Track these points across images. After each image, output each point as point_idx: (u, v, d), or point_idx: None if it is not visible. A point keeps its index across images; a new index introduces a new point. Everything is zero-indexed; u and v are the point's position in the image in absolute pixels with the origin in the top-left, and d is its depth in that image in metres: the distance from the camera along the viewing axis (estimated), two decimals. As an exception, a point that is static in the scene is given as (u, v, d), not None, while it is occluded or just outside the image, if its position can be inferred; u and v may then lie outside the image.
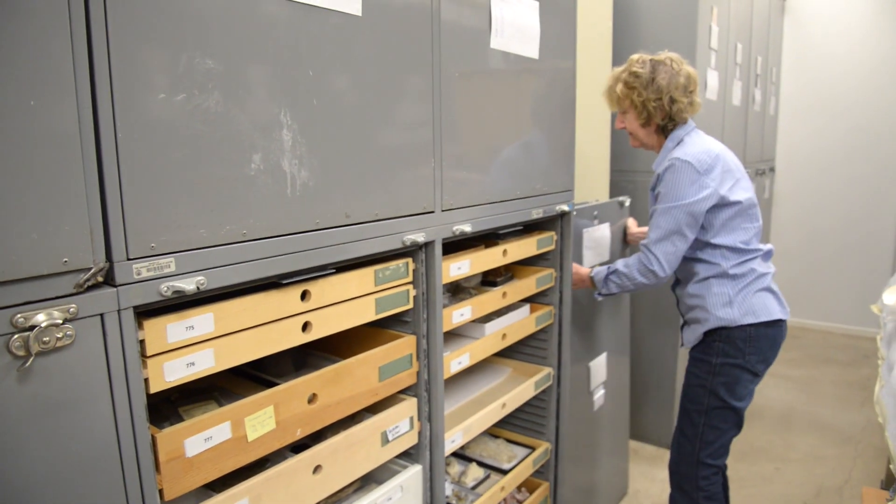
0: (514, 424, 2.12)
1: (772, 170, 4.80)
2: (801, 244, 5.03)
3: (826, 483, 2.89)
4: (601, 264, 2.19)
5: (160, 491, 0.94)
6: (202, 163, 0.90)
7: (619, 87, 1.95)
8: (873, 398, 1.72)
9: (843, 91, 4.74)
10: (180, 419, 1.17)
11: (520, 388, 1.81)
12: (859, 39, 4.65)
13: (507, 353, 2.05)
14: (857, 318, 4.87)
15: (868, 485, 2.80)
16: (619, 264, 1.99)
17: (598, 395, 2.29)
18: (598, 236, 2.23)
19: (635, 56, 1.96)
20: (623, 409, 2.60)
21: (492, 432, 2.13)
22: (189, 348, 0.96)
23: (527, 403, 2.00)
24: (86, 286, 0.80)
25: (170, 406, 1.24)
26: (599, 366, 2.28)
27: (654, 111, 1.92)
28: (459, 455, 2.02)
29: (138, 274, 0.85)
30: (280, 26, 0.99)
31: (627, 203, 2.46)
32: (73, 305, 0.78)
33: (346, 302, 1.21)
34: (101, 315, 0.82)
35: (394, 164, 1.23)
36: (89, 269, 0.80)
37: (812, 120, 4.87)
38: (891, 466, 1.30)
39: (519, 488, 2.07)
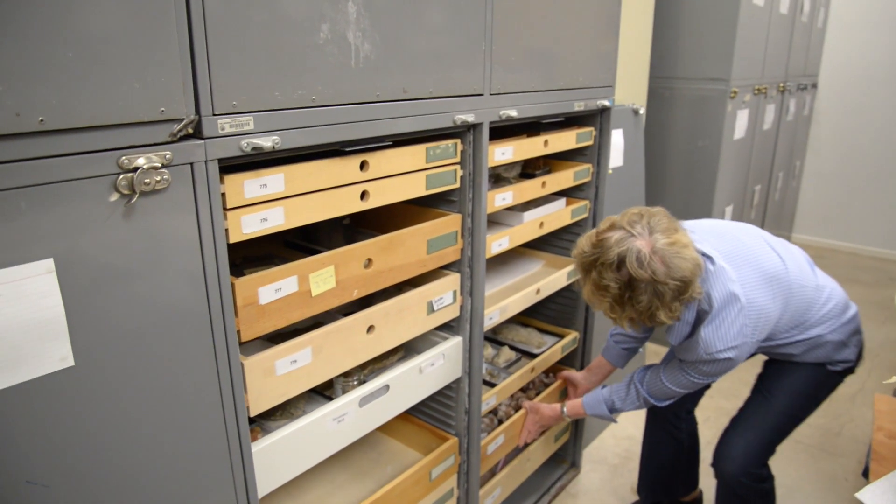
0: (544, 315, 2.24)
1: (814, 86, 4.68)
2: (837, 165, 4.95)
3: (840, 392, 2.98)
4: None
5: (237, 333, 1.06)
6: (278, 27, 0.97)
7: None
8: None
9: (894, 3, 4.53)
10: (248, 278, 1.28)
11: (553, 277, 1.91)
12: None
13: (541, 245, 2.14)
14: (886, 240, 4.85)
15: (881, 393, 2.90)
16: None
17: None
18: (612, 142, 2.18)
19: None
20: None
21: (523, 321, 2.25)
22: (263, 205, 1.05)
23: (557, 294, 2.10)
24: (178, 136, 0.89)
25: (235, 269, 1.36)
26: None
27: None
28: (493, 340, 2.15)
29: (222, 129, 0.93)
30: None
31: (642, 111, 2.42)
32: (169, 152, 0.87)
33: (400, 175, 1.29)
34: (191, 164, 0.90)
35: (449, 44, 1.28)
36: (181, 119, 0.88)
37: (860, 35, 4.68)
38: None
39: (546, 373, 2.21)
